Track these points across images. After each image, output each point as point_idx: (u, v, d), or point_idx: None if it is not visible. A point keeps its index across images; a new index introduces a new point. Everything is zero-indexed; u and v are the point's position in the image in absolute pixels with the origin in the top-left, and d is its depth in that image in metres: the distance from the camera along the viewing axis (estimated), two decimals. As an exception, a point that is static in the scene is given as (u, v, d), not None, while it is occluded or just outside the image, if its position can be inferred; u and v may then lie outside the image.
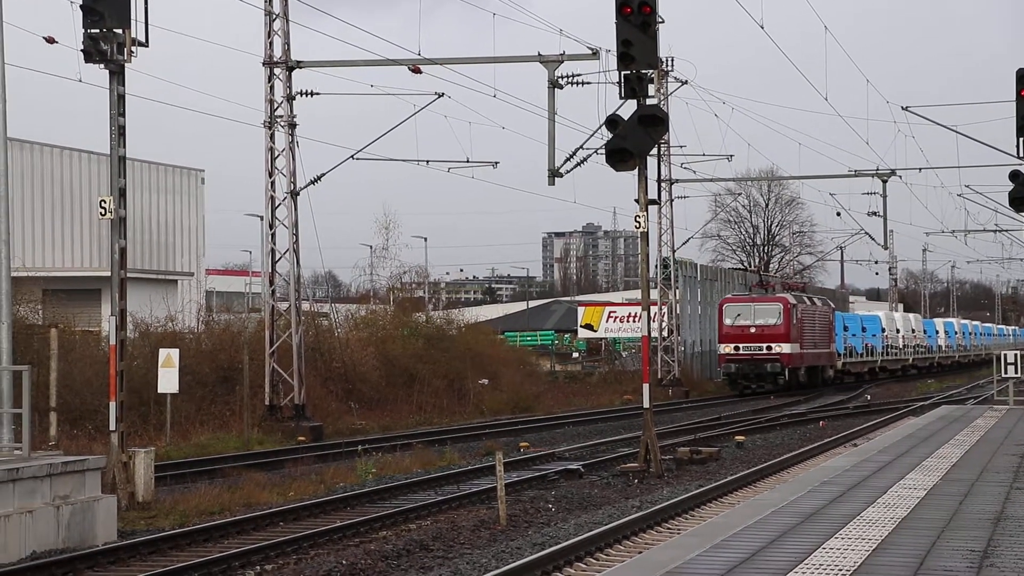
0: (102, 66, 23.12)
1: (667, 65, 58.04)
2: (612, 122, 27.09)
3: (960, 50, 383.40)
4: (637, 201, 28.27)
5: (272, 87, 38.03)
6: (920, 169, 62.39)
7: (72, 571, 17.07)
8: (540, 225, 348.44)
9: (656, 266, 62.25)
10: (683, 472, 28.01)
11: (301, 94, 38.23)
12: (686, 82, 59.15)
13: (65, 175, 53.03)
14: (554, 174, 35.36)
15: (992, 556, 11.81)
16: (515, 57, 38.86)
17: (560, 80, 36.50)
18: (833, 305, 71.42)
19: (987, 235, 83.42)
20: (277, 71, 37.94)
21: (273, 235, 38.45)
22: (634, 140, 26.49)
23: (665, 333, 61.86)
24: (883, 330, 78.71)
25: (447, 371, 48.60)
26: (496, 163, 43.73)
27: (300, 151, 38.14)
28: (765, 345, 59.03)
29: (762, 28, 41.23)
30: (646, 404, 27.96)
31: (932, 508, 15.00)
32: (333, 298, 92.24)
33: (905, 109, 44.86)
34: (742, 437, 34.84)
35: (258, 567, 17.41)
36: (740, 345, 59.32)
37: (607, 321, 78.78)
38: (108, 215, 23.28)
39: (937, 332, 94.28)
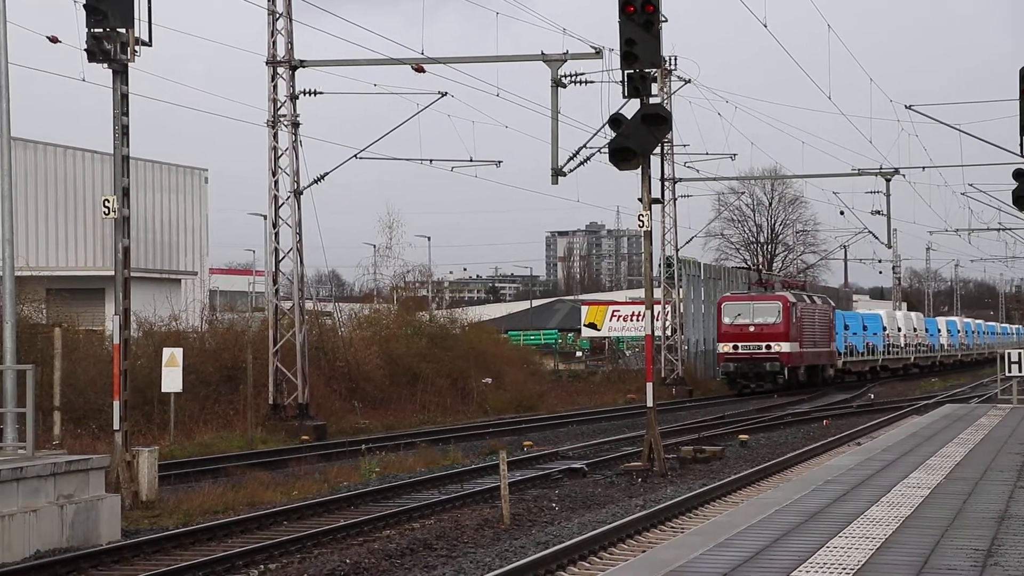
0: (105, 65, 23.12)
1: (670, 64, 58.03)
2: (615, 121, 27.09)
3: (961, 49, 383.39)
4: (640, 200, 28.27)
5: (275, 86, 38.04)
6: (924, 168, 62.50)
7: (76, 570, 17.08)
8: (543, 224, 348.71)
9: (659, 265, 62.21)
10: (687, 471, 28.00)
11: (304, 93, 38.25)
12: (689, 81, 59.16)
13: (69, 174, 53.08)
14: (557, 173, 35.35)
15: (996, 555, 11.81)
16: (518, 56, 38.88)
17: (563, 79, 36.49)
18: (833, 304, 71.22)
19: (991, 234, 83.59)
20: (280, 70, 37.95)
21: (277, 234, 38.47)
22: (637, 139, 26.48)
23: (668, 332, 61.82)
24: (884, 329, 78.62)
25: (451, 370, 48.62)
26: (499, 162, 43.76)
27: (303, 150, 38.21)
28: (764, 344, 58.75)
29: (765, 27, 41.28)
30: (650, 403, 27.97)
31: (936, 507, 14.99)
32: (337, 297, 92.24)
33: (909, 108, 44.82)
34: (746, 436, 34.82)
35: (262, 566, 17.41)
36: (739, 344, 59.07)
37: (610, 320, 78.77)
38: (112, 214, 23.29)
39: (939, 331, 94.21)
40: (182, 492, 24.16)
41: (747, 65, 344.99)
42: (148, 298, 41.98)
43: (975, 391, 56.80)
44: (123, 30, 22.72)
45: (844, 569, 11.16)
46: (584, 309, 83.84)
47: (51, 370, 28.96)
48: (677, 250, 63.43)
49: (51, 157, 52.75)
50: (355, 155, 40.29)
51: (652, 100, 26.78)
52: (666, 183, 61.68)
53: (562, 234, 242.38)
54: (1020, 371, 36.24)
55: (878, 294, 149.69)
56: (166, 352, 32.14)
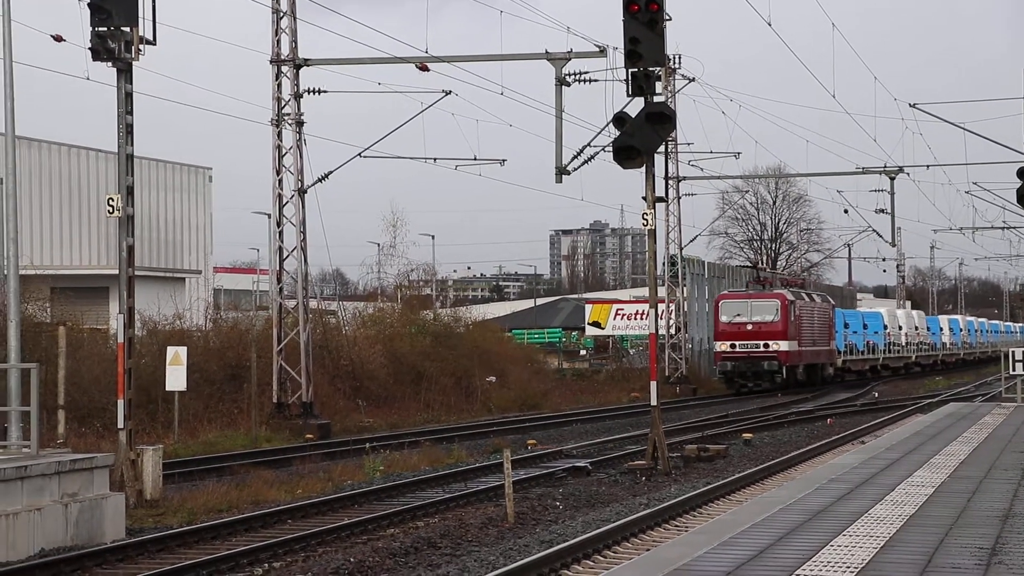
0: (110, 64, 23.13)
1: (674, 62, 58.00)
2: (619, 119, 27.08)
3: (963, 48, 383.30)
4: (644, 198, 28.30)
5: (280, 85, 38.05)
6: (928, 166, 62.37)
7: (80, 569, 17.09)
8: (547, 222, 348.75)
9: (663, 263, 62.19)
10: (691, 470, 28.01)
11: (308, 92, 38.26)
12: (693, 79, 59.11)
13: (73, 173, 53.12)
14: (561, 172, 35.34)
15: (1000, 553, 11.80)
16: (522, 55, 38.83)
17: (567, 78, 36.47)
18: (833, 302, 71.04)
19: (995, 232, 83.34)
20: (285, 69, 37.97)
21: (281, 233, 38.49)
22: (641, 137, 26.48)
23: (672, 331, 61.79)
24: (885, 327, 78.48)
25: (455, 369, 48.63)
26: (503, 161, 43.73)
27: (308, 149, 38.22)
28: (762, 343, 58.38)
29: (769, 25, 41.24)
30: (653, 401, 27.98)
31: (940, 505, 14.99)
32: (341, 296, 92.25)
33: (913, 106, 44.82)
34: (750, 435, 34.83)
35: (266, 564, 17.42)
36: (737, 342, 58.73)
37: (614, 318, 78.77)
38: (116, 213, 23.31)
39: (941, 329, 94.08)
40: (186, 490, 24.18)
41: (751, 63, 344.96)
42: (152, 297, 42.03)
43: (979, 390, 56.76)
44: (127, 29, 22.74)
45: (848, 567, 11.16)
46: (588, 308, 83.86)
47: (55, 369, 29.00)
48: (681, 249, 63.43)
49: (55, 156, 52.79)
50: (359, 154, 40.32)
51: (656, 98, 26.77)
52: (670, 182, 61.68)
53: (566, 232, 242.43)
54: (1024, 370, 36.23)
55: (882, 292, 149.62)
56: (170, 351, 32.17)
